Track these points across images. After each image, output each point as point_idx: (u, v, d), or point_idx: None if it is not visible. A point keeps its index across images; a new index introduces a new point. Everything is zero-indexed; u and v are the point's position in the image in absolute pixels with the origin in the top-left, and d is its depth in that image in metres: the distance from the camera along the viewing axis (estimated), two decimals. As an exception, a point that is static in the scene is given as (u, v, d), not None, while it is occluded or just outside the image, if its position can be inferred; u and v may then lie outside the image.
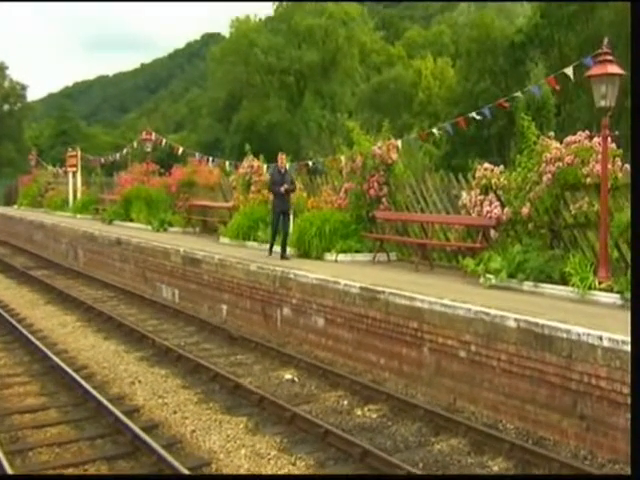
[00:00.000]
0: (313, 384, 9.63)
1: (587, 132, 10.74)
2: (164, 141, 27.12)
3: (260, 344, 11.59)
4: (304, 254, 14.14)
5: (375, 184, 14.50)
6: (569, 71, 11.20)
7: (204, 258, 14.83)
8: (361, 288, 10.36)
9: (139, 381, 9.64)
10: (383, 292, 9.91)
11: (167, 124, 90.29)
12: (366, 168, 14.60)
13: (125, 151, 31.35)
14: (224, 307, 14.09)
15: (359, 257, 13.91)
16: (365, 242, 14.33)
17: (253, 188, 18.39)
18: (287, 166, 14.62)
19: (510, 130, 37.87)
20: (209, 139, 69.76)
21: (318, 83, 66.18)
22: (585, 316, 7.97)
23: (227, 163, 22.22)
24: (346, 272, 11.88)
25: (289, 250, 14.40)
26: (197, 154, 24.08)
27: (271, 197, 14.84)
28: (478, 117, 13.06)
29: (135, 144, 30.21)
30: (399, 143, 14.80)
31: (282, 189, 13.84)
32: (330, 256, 13.88)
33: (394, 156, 14.53)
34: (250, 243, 16.63)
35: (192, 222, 21.83)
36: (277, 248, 14.10)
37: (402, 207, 14.64)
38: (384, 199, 14.55)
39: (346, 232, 14.33)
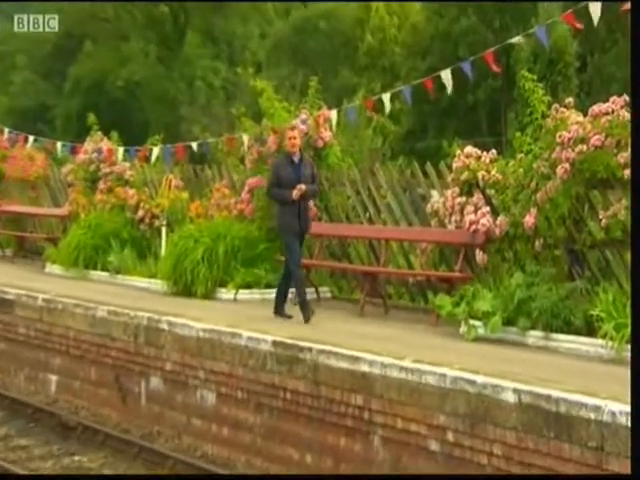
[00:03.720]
0: (198, 500, 9.59)
1: (625, 97, 10.97)
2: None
3: (112, 437, 11.50)
4: (184, 290, 14.09)
5: (297, 179, 14.58)
6: (596, 5, 11.51)
7: (19, 299, 14.64)
8: (275, 344, 10.35)
9: None
10: (310, 349, 9.91)
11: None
12: (283, 154, 14.68)
13: None
14: (53, 377, 13.95)
15: (272, 294, 13.87)
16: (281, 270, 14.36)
17: (102, 185, 18.24)
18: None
19: (508, 95, 38.73)
20: (29, 105, 68.80)
21: (207, 18, 66.24)
22: (623, 384, 8.07)
23: (59, 145, 21.90)
24: (251, 319, 11.89)
25: (161, 285, 14.33)
26: (7, 129, 23.69)
27: (268, 204, 13.91)
28: (452, 77, 13.27)
29: None
30: (334, 114, 14.91)
31: (296, 192, 11.97)
32: (226, 293, 13.86)
33: (327, 135, 14.66)
34: (96, 273, 16.49)
35: (0, 240, 21.47)
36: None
37: (340, 215, 14.78)
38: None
39: (252, 255, 14.40)
